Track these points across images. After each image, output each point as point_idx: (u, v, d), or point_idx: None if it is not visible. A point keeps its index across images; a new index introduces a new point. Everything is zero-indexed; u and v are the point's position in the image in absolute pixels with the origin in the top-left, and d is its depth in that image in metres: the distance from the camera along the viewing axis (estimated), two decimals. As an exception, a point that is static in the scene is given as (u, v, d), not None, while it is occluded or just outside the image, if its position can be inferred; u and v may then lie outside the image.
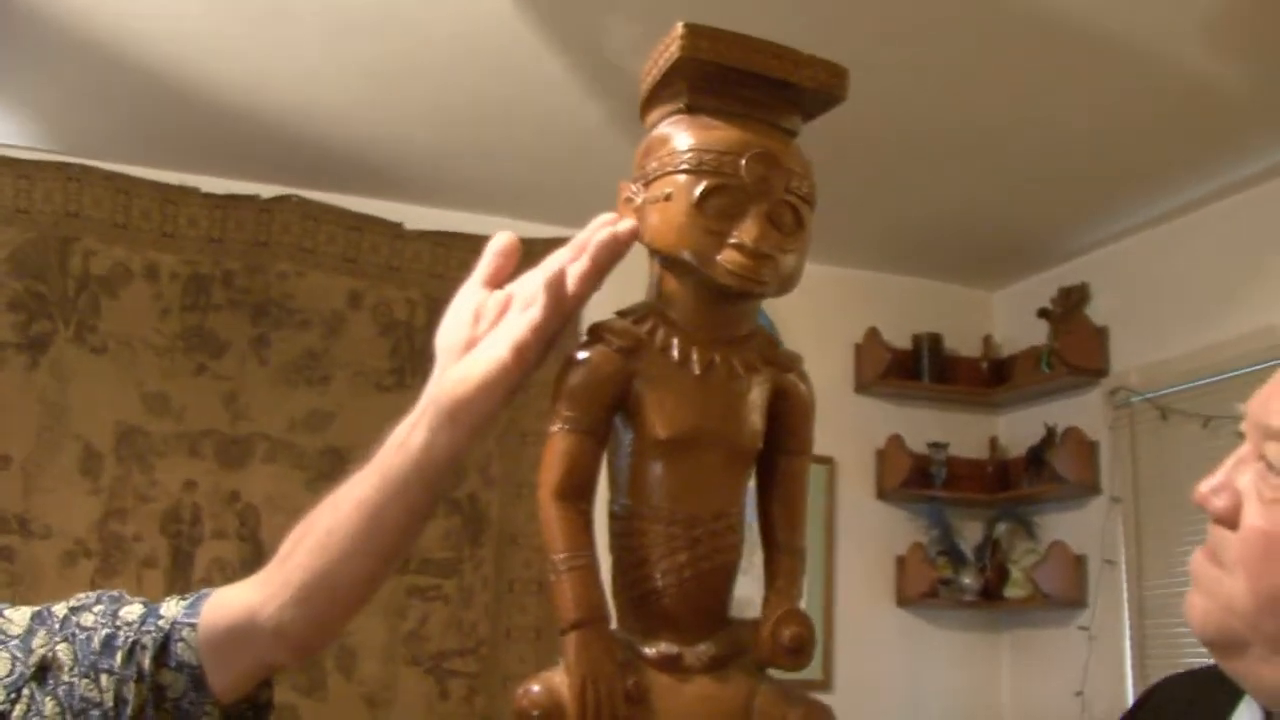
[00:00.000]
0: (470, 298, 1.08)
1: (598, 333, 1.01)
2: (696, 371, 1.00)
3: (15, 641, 1.23)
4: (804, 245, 1.04)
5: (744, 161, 1.00)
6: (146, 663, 1.15)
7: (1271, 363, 3.44)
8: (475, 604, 3.79)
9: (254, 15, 2.97)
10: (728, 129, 1.02)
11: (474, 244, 4.05)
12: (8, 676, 1.19)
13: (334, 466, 3.73)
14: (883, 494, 4.84)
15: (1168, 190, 3.85)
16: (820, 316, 4.41)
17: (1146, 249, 4.39)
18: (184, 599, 1.21)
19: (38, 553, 3.48)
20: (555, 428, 1.00)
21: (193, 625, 1.15)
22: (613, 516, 1.02)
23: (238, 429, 3.70)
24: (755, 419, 1.02)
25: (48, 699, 1.16)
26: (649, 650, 0.95)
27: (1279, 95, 3.04)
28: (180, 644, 1.15)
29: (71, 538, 3.51)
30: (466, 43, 3.01)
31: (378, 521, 1.06)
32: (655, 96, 1.08)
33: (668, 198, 1.01)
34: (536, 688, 0.90)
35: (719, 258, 0.99)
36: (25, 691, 1.17)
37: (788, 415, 1.06)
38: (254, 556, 3.60)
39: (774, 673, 0.98)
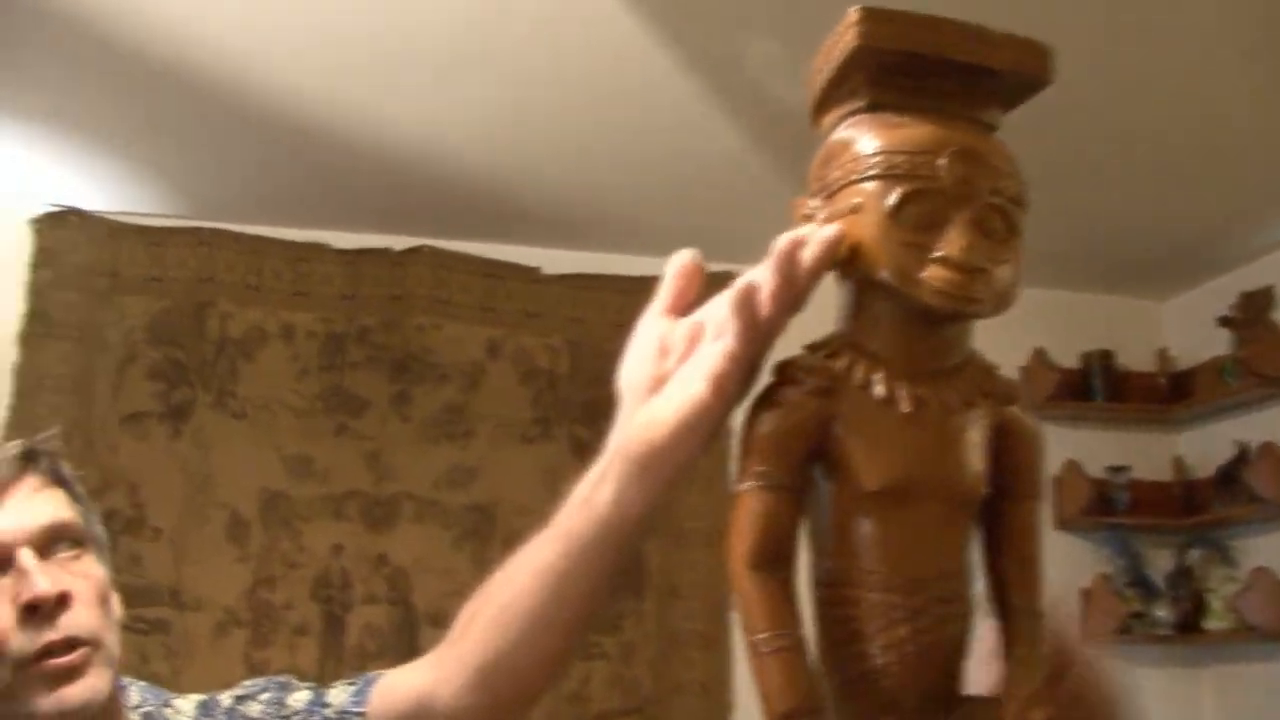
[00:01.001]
0: (653, 329, 0.97)
1: (786, 372, 0.89)
2: (905, 409, 0.87)
3: None
4: (1018, 254, 0.90)
5: (942, 161, 0.88)
6: None
7: None
8: (638, 660, 3.67)
9: (376, 62, 2.94)
10: (919, 125, 0.90)
11: (615, 285, 3.99)
12: None
13: (480, 524, 3.66)
14: (1062, 523, 4.59)
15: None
16: (980, 340, 4.22)
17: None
18: (351, 684, 1.17)
19: (191, 624, 3.47)
20: (745, 485, 0.87)
21: (361, 715, 1.10)
22: (816, 584, 0.89)
23: (382, 489, 3.66)
24: (976, 461, 0.89)
25: None
26: (872, 741, 0.83)
27: None
28: None
29: (222, 607, 3.50)
30: (597, 75, 2.93)
31: (561, 591, 0.95)
32: (829, 96, 0.96)
33: (855, 210, 0.89)
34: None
35: (923, 275, 0.86)
36: None
37: (1013, 454, 0.92)
38: (405, 620, 3.55)
39: (1020, 761, 0.84)
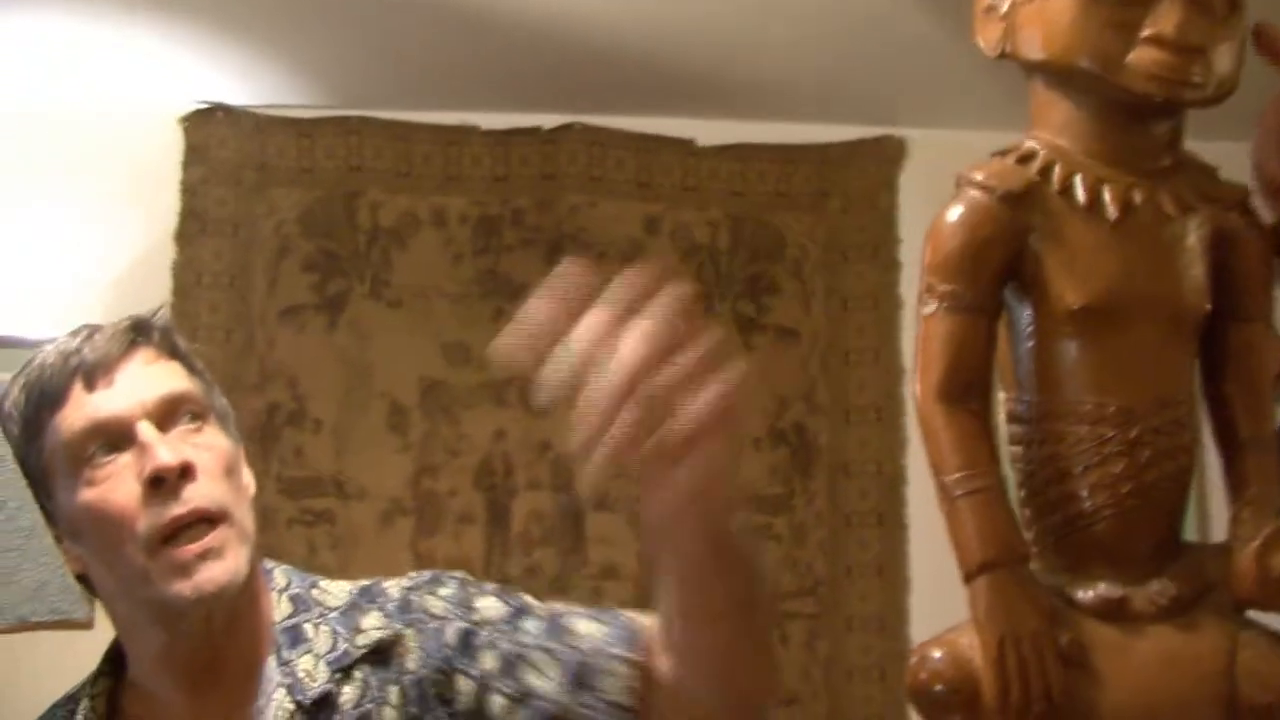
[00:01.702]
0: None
1: (974, 179, 0.80)
2: (1113, 216, 0.78)
3: (335, 615, 1.16)
4: (1241, 34, 0.80)
5: (1154, -78, 0.77)
6: (548, 685, 1.04)
7: None
8: (810, 541, 3.62)
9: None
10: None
11: (773, 154, 3.87)
12: (330, 653, 1.11)
13: (645, 404, 3.62)
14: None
15: None
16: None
17: None
18: (597, 618, 1.08)
19: (355, 514, 3.52)
20: (930, 308, 0.79)
21: (627, 660, 1.01)
22: (1014, 419, 0.81)
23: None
24: (1197, 274, 0.79)
25: (391, 687, 1.09)
26: (1083, 594, 0.75)
27: None
28: (609, 678, 1.01)
29: (387, 497, 3.53)
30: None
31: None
32: None
33: (1049, -10, 0.79)
34: (938, 654, 0.71)
35: (1130, 59, 0.76)
36: (358, 674, 1.10)
37: (1239, 267, 0.82)
38: (570, 507, 3.54)
39: (1259, 615, 0.75)
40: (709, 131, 3.89)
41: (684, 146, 3.85)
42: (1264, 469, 0.79)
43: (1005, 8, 0.78)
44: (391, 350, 3.63)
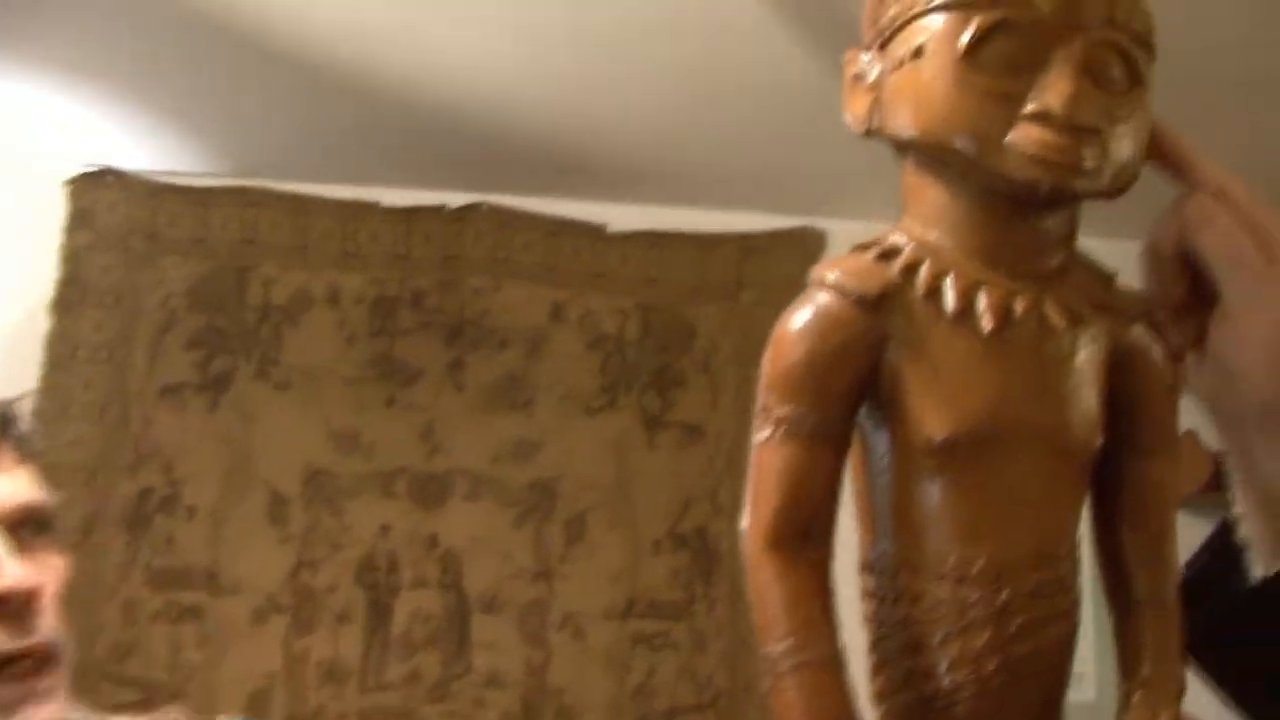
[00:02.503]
0: None
1: (825, 278, 0.67)
2: (988, 327, 0.65)
3: None
4: (1144, 113, 0.68)
5: (1040, -21, 0.65)
6: None
7: None
8: (710, 651, 3.45)
9: (429, 4, 2.74)
10: (1007, -67, 0.67)
11: (689, 242, 3.78)
12: None
13: (540, 502, 3.46)
14: (1182, 502, 4.30)
15: None
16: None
17: None
18: None
19: (227, 610, 3.32)
20: (764, 434, 0.66)
21: None
22: (866, 568, 0.67)
23: (434, 464, 3.48)
24: (1088, 399, 0.67)
25: None
26: (939, 794, 0.60)
27: None
28: None
29: (262, 592, 3.34)
30: (671, 5, 2.70)
31: None
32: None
33: (918, 54, 0.67)
34: None
35: (1010, 138, 0.64)
36: None
37: (1139, 392, 0.69)
38: (457, 607, 3.37)
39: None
40: (622, 216, 3.78)
41: (595, 231, 3.74)
42: (1162, 639, 0.65)
43: (873, 76, 0.65)
44: (276, 435, 3.45)
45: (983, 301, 0.65)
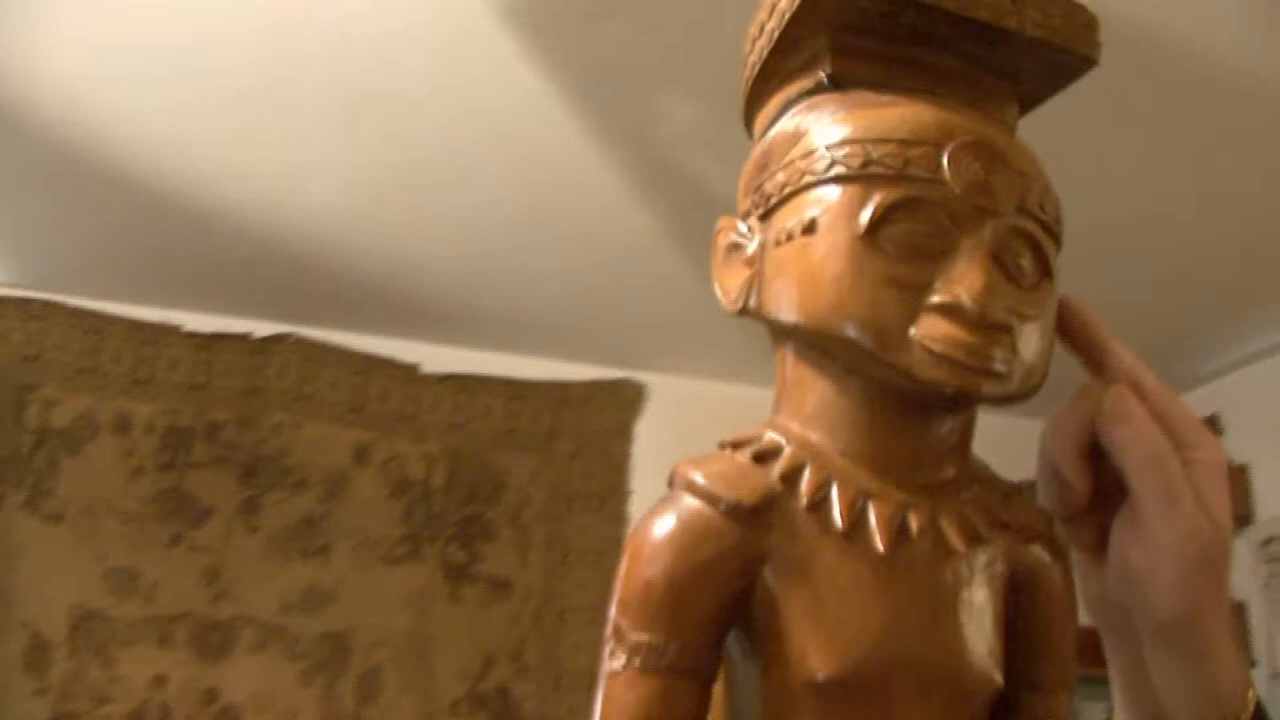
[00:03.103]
0: None
1: (693, 481, 0.58)
2: (880, 548, 0.56)
3: None
4: (1052, 309, 0.61)
5: (947, 156, 0.58)
6: None
7: None
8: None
9: (238, 124, 2.62)
10: (911, 104, 0.61)
11: (502, 388, 3.66)
12: None
13: (332, 656, 3.27)
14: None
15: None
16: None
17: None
18: None
19: (-31, 769, 3.02)
20: (617, 663, 0.56)
21: None
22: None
23: (218, 611, 3.25)
24: (988, 632, 0.59)
25: None
26: None
27: None
28: None
29: (13, 749, 3.05)
30: (492, 147, 2.63)
31: None
32: (772, 71, 0.66)
33: (809, 228, 0.59)
34: None
35: (915, 332, 0.56)
36: None
37: (1039, 622, 0.62)
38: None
39: None
40: (435, 357, 3.67)
41: (406, 371, 3.61)
42: None
43: (752, 249, 0.56)
44: (43, 572, 3.19)
45: (874, 517, 0.56)
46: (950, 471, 0.60)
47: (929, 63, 0.64)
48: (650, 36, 2.11)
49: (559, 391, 3.65)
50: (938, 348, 0.55)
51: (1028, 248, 0.59)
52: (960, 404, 0.59)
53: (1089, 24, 0.65)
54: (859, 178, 0.57)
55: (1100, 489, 0.66)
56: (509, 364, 3.65)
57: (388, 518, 3.43)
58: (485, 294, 3.40)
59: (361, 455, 3.48)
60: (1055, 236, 0.61)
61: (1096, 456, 0.66)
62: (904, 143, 0.58)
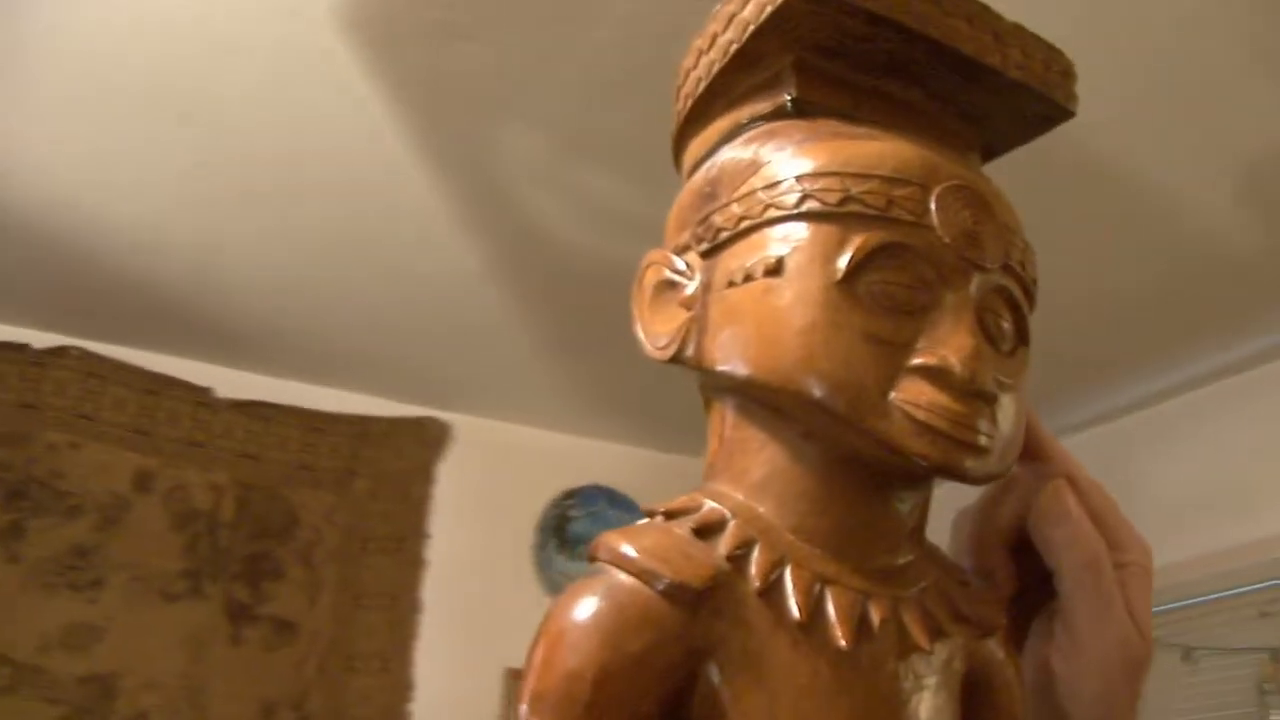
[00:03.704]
0: None
1: (624, 555, 0.50)
2: (841, 642, 0.49)
3: None
4: (1026, 381, 0.56)
5: (935, 199, 0.52)
6: None
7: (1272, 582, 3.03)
8: None
9: (44, 113, 2.43)
10: (891, 140, 0.54)
11: (301, 419, 3.50)
12: None
13: (95, 701, 3.03)
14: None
15: (1161, 368, 3.44)
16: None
17: (1124, 439, 3.92)
18: None
19: None
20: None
21: None
22: None
23: (-33, 647, 3.00)
24: (953, 742, 0.52)
25: None
26: None
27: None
28: None
29: None
30: (316, 166, 2.49)
31: None
32: (722, 90, 0.59)
33: (774, 269, 0.52)
34: None
35: (895, 396, 0.50)
36: None
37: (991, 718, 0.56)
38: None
39: None
40: (231, 382, 3.49)
41: (198, 394, 3.42)
42: None
43: (693, 288, 0.49)
44: None
45: (831, 606, 0.49)
46: (908, 555, 0.54)
47: (898, 97, 0.58)
48: (501, 61, 2.02)
49: (360, 426, 3.50)
50: (921, 415, 0.48)
51: (1008, 309, 0.53)
52: (926, 480, 0.53)
53: (1067, 72, 0.60)
54: (836, 216, 0.51)
55: (1020, 584, 0.62)
56: (309, 394, 3.49)
57: (168, 551, 3.22)
58: (290, 318, 3.24)
59: (143, 482, 3.27)
60: (1032, 299, 0.56)
61: (1018, 550, 0.62)
62: (888, 180, 0.51)
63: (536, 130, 2.20)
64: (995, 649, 0.56)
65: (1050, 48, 0.60)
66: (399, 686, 3.23)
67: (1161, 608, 3.19)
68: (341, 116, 2.26)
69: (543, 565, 3.43)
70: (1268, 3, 1.78)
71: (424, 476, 3.52)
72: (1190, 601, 3.31)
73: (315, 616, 3.26)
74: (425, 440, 3.56)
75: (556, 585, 3.35)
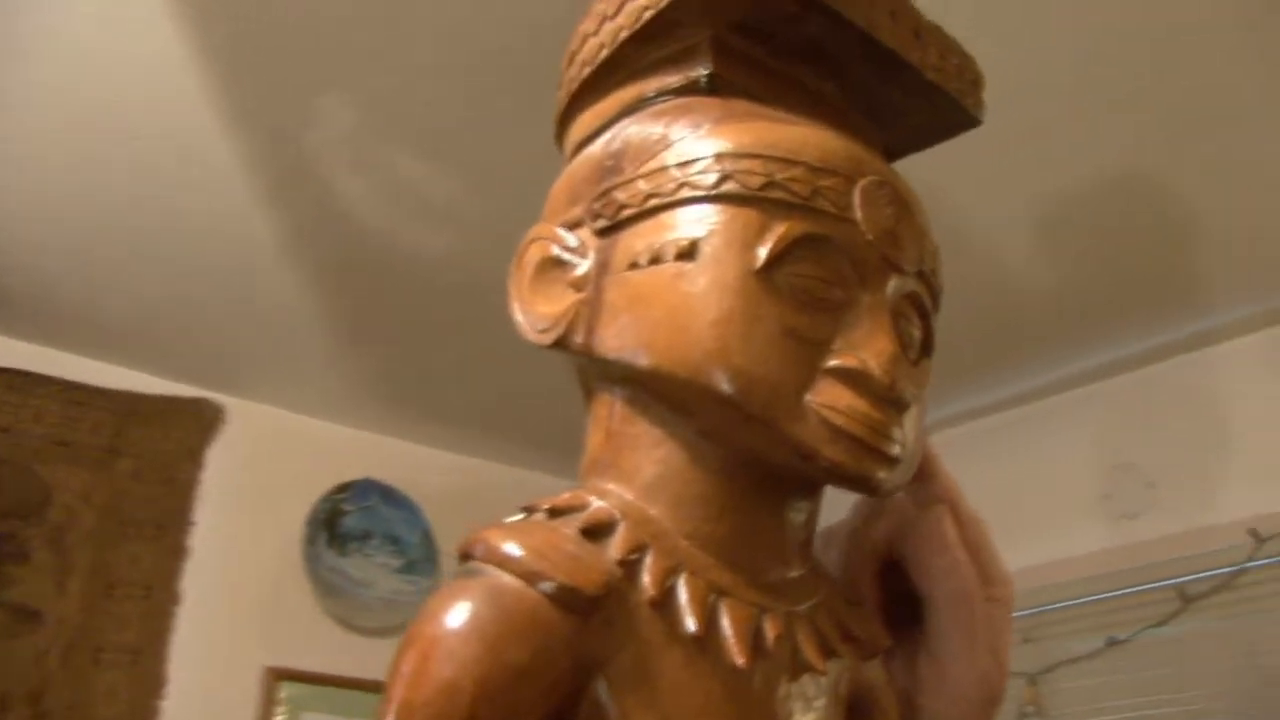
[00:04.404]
0: None
1: (508, 555, 0.46)
2: (737, 660, 0.46)
3: None
4: (927, 390, 0.54)
5: (859, 192, 0.49)
6: None
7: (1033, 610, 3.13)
8: None
9: None
10: (813, 127, 0.51)
11: (65, 391, 3.29)
12: None
13: None
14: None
15: (945, 399, 3.53)
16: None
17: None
18: None
19: None
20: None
21: None
22: None
23: None
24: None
25: None
26: None
27: (1079, 301, 2.79)
28: None
29: None
30: (106, 119, 2.34)
31: None
32: (623, 64, 0.56)
33: (687, 253, 0.48)
34: None
35: (812, 398, 0.47)
36: None
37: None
38: None
39: None
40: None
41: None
42: None
43: (585, 268, 0.45)
44: None
45: (726, 621, 0.46)
46: (799, 569, 0.51)
47: (810, 87, 0.56)
48: (325, 30, 1.94)
49: (129, 403, 3.33)
50: (839, 420, 0.46)
51: (918, 316, 0.51)
52: (820, 489, 0.51)
53: (977, 81, 0.59)
54: (757, 200, 0.48)
55: (884, 599, 0.60)
56: (73, 365, 3.29)
57: (-99, 525, 3.00)
58: (60, 284, 3.05)
59: (-123, 450, 3.04)
60: (938, 308, 0.54)
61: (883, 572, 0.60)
62: (813, 169, 0.48)
63: (353, 106, 2.12)
64: (877, 672, 0.53)
65: (964, 54, 0.58)
66: (150, 682, 3.07)
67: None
68: (145, 67, 2.13)
69: (311, 560, 3.30)
70: (1071, 49, 1.84)
71: (192, 460, 3.36)
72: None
73: (62, 604, 3.06)
74: (199, 422, 3.41)
75: (324, 581, 3.24)
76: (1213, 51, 1.80)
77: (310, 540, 3.34)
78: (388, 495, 3.54)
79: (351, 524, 3.48)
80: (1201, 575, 2.43)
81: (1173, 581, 2.47)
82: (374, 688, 2.94)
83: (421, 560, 3.34)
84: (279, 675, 3.07)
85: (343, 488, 3.48)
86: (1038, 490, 3.05)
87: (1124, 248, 2.34)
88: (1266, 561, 2.34)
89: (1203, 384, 2.66)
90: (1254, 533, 2.32)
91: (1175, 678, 2.46)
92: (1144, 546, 2.63)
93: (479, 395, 3.32)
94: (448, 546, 3.25)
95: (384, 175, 2.32)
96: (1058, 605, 2.71)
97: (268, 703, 3.07)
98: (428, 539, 3.35)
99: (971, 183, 2.19)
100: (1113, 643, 2.56)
